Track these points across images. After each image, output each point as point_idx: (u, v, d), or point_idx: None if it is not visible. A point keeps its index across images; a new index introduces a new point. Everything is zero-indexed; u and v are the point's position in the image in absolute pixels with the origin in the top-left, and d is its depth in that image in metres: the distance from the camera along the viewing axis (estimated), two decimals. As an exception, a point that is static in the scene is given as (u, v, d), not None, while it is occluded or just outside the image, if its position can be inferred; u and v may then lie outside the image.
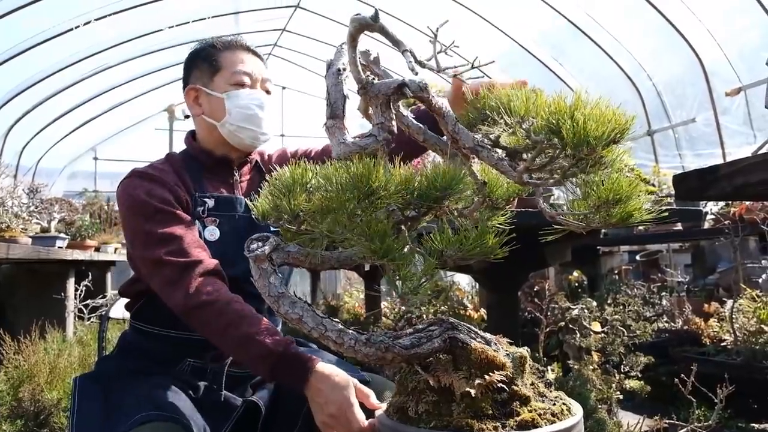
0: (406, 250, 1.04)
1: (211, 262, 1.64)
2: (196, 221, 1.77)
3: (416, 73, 1.06)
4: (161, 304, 1.67)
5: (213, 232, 1.78)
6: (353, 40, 1.09)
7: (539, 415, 1.05)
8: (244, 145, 1.89)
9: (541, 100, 0.97)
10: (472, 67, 1.09)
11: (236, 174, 1.92)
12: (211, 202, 1.81)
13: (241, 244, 1.76)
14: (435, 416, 1.04)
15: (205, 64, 1.89)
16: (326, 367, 1.44)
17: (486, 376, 1.05)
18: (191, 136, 1.96)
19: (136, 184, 1.74)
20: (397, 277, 1.00)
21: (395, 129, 1.07)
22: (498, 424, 1.01)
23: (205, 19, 8.86)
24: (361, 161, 1.01)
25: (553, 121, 0.93)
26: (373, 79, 1.08)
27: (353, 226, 1.02)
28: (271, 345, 1.47)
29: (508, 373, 1.08)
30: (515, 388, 1.07)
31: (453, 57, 1.14)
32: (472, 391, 1.03)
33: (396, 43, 1.08)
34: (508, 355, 1.13)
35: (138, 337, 1.82)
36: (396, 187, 1.01)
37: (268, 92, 1.92)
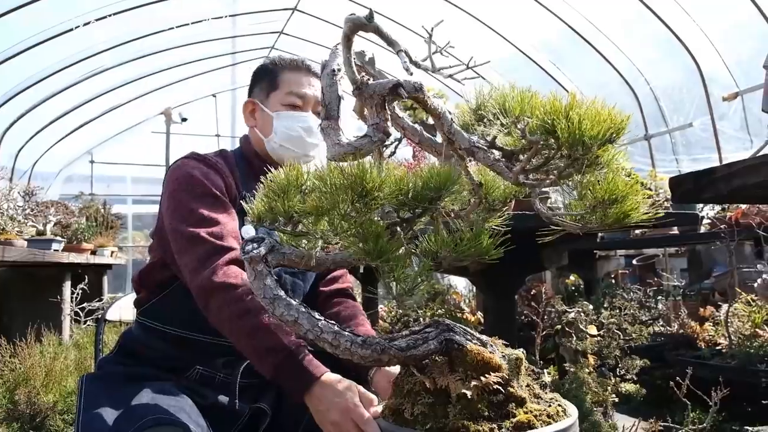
0: (401, 251, 1.04)
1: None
2: (240, 216, 1.78)
3: (411, 74, 1.06)
4: (176, 301, 1.68)
5: (249, 231, 1.79)
6: (348, 41, 1.08)
7: (535, 416, 1.04)
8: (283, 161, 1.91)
9: (536, 100, 0.97)
10: (467, 68, 1.09)
11: None
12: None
13: None
14: (431, 418, 1.04)
15: (266, 81, 1.96)
16: (332, 376, 1.42)
17: (482, 378, 1.05)
18: (246, 140, 2.01)
19: (194, 165, 1.78)
20: (392, 279, 1.00)
21: (390, 130, 1.07)
22: (494, 425, 1.01)
23: (202, 21, 8.85)
24: (356, 162, 1.00)
25: (548, 121, 0.93)
26: (368, 79, 1.08)
27: (348, 227, 1.01)
28: (284, 340, 1.45)
29: (504, 374, 1.08)
30: (511, 389, 1.07)
31: (449, 59, 1.14)
32: (468, 393, 1.02)
33: (391, 43, 1.08)
34: (503, 356, 1.13)
35: (143, 335, 1.80)
36: (390, 187, 1.00)
37: (319, 114, 1.93)
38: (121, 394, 1.57)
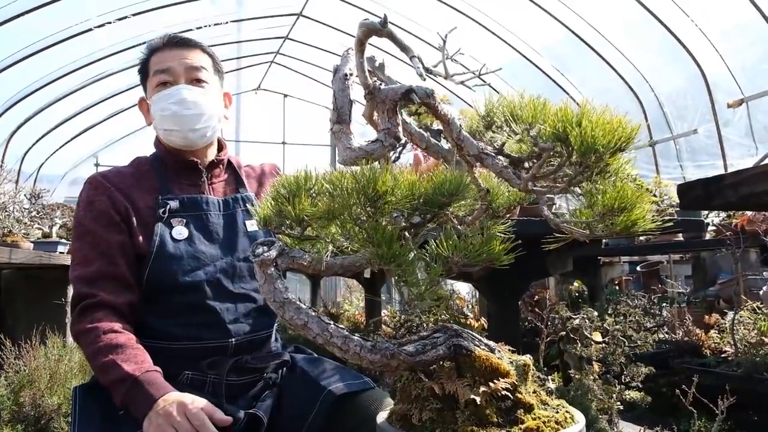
0: (410, 256, 1.04)
1: (104, 297, 1.65)
2: (159, 224, 1.76)
3: (424, 80, 1.06)
4: (141, 317, 1.70)
5: (181, 231, 1.78)
6: (361, 45, 1.09)
7: (543, 422, 1.04)
8: (179, 145, 1.88)
9: (548, 108, 0.97)
10: (478, 75, 1.09)
11: (204, 176, 1.90)
12: (174, 204, 1.80)
13: (215, 244, 1.80)
14: (439, 424, 1.04)
15: (142, 72, 1.95)
16: (172, 396, 1.46)
17: (491, 384, 1.05)
18: (157, 139, 1.97)
19: (83, 196, 1.79)
20: (403, 284, 1.00)
21: (401, 135, 1.07)
22: (503, 431, 1.01)
23: (207, 26, 8.88)
24: (368, 166, 1.01)
25: (560, 129, 0.93)
26: (380, 84, 1.08)
27: (359, 231, 1.02)
28: (127, 369, 1.49)
29: (513, 380, 1.08)
30: (519, 395, 1.07)
31: (456, 66, 1.14)
32: (477, 399, 1.02)
33: (404, 48, 1.08)
34: (511, 362, 1.13)
35: None
36: (403, 192, 1.00)
37: (198, 81, 1.88)
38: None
